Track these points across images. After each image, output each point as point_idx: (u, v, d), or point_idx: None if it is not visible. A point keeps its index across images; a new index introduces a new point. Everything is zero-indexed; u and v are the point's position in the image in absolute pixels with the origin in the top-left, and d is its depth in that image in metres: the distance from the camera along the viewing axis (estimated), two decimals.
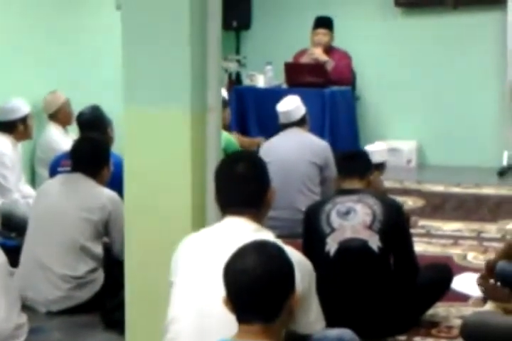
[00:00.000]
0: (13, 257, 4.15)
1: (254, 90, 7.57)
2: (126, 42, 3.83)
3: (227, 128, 6.12)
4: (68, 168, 4.83)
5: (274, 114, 5.96)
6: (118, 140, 5.37)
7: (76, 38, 7.04)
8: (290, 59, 7.74)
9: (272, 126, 6.47)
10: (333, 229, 3.87)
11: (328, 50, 7.60)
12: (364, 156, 4.29)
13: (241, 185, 2.87)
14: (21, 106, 5.84)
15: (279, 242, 2.61)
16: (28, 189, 5.95)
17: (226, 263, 2.33)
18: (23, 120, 5.84)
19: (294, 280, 2.33)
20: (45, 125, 6.54)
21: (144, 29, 3.79)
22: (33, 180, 6.39)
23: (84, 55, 7.10)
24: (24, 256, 4.47)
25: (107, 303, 4.27)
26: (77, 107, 5.98)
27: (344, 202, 3.93)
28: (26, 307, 4.08)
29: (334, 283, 3.75)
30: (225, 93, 6.22)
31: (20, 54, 6.40)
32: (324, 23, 7.70)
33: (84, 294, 4.39)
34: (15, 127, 5.80)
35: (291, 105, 5.74)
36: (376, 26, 8.71)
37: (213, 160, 3.81)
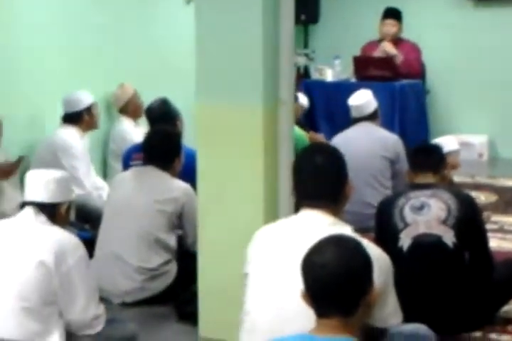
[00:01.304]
0: (87, 249, 4.20)
1: (322, 84, 7.55)
2: (199, 36, 3.86)
3: (297, 122, 6.11)
4: (139, 162, 4.88)
5: (343, 108, 5.94)
6: (187, 132, 5.41)
7: (145, 31, 7.11)
8: (358, 52, 7.70)
9: (340, 120, 6.45)
10: (406, 224, 3.84)
11: (397, 41, 7.54)
12: (437, 150, 4.24)
13: (319, 178, 2.84)
14: (85, 97, 5.90)
15: (357, 236, 2.61)
16: (99, 181, 6.02)
17: (304, 257, 2.33)
18: (88, 110, 5.89)
19: (372, 274, 2.33)
20: (116, 118, 6.62)
21: (216, 23, 3.81)
22: (105, 172, 6.48)
23: (153, 48, 7.16)
24: (99, 248, 4.54)
25: (180, 295, 4.32)
26: (147, 99, 6.04)
27: (418, 197, 3.89)
28: (101, 298, 4.15)
29: (407, 279, 3.72)
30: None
31: (90, 48, 6.49)
32: (393, 13, 7.64)
33: (158, 286, 4.45)
34: (81, 118, 5.85)
35: (363, 99, 5.71)
36: (447, 17, 8.60)
37: (285, 154, 3.82)
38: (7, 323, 3.11)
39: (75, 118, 5.81)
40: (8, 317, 3.12)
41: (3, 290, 3.14)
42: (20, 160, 5.20)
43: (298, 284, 2.35)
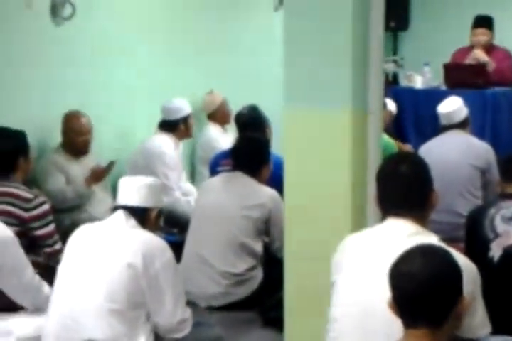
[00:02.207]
0: (175, 252, 4.26)
1: (411, 91, 7.46)
2: (288, 44, 3.87)
3: (386, 129, 6.07)
4: (227, 168, 4.93)
5: (432, 116, 5.86)
6: (275, 140, 5.43)
7: (235, 38, 7.17)
8: (449, 59, 7.59)
9: (429, 128, 6.36)
10: (497, 235, 3.78)
11: (489, 49, 7.40)
12: None
13: (405, 187, 2.83)
14: (184, 106, 5.99)
15: (444, 246, 2.57)
16: (188, 186, 6.11)
17: (392, 267, 2.31)
18: (185, 120, 5.99)
19: (461, 284, 2.30)
20: (204, 124, 6.69)
21: (305, 30, 3.81)
22: (194, 178, 6.56)
23: (243, 55, 7.22)
24: (186, 252, 4.60)
25: (265, 301, 4.33)
26: (236, 106, 6.09)
27: (509, 207, 3.82)
28: (188, 302, 4.19)
29: (497, 289, 3.65)
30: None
31: (180, 55, 6.58)
32: (484, 22, 7.49)
33: (243, 291, 4.47)
34: (177, 127, 5.95)
35: (454, 106, 5.63)
36: None
37: (374, 162, 3.79)
38: (96, 324, 3.17)
39: (171, 126, 5.91)
40: (96, 318, 3.18)
41: (93, 292, 3.21)
42: (110, 164, 5.31)
43: (384, 294, 2.33)
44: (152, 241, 3.32)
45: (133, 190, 3.38)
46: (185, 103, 6.01)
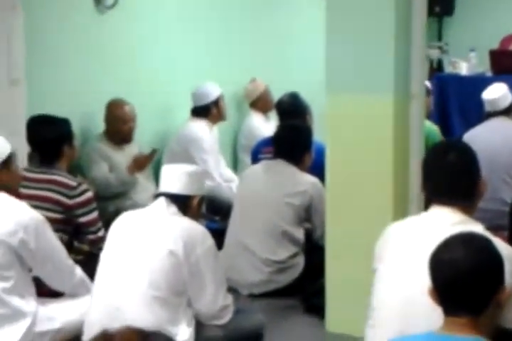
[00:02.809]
0: (217, 239, 4.28)
1: (456, 78, 7.38)
2: (330, 30, 3.86)
3: (428, 117, 6.02)
4: (269, 155, 4.93)
5: (477, 103, 5.79)
6: (316, 127, 5.42)
7: (278, 25, 7.15)
8: (495, 45, 7.49)
9: (474, 115, 6.29)
10: None
11: None
12: None
13: (452, 175, 2.79)
14: (212, 89, 5.97)
15: (488, 234, 2.55)
16: (229, 173, 6.12)
17: (432, 255, 2.30)
18: (216, 103, 5.97)
19: (503, 273, 2.28)
20: (246, 112, 6.69)
21: (347, 16, 3.81)
22: (236, 166, 6.57)
23: (285, 42, 7.20)
24: (228, 239, 4.62)
25: (307, 288, 4.33)
26: (277, 93, 6.08)
27: None
28: (230, 289, 4.21)
29: None
30: (426, 81, 6.11)
31: (224, 43, 6.58)
32: None
33: (285, 278, 4.49)
34: (209, 111, 5.94)
35: (499, 92, 5.56)
36: None
37: (416, 149, 3.77)
38: (138, 311, 3.19)
39: (203, 111, 5.91)
40: (139, 304, 3.20)
41: (135, 279, 3.23)
42: (153, 152, 5.34)
43: (426, 282, 2.32)
44: (193, 229, 3.33)
45: (174, 177, 3.40)
46: (213, 86, 5.98)
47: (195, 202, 3.44)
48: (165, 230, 3.29)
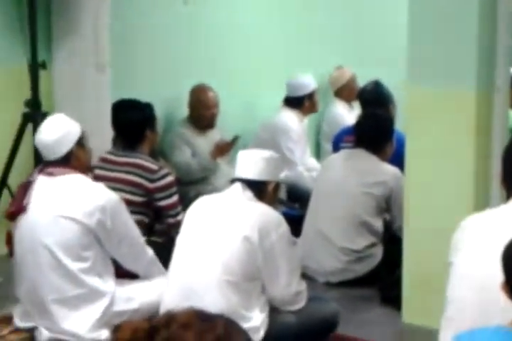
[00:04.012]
0: (295, 227, 4.31)
1: None
2: (412, 21, 3.82)
3: None
4: (350, 144, 4.91)
5: None
6: (399, 117, 5.37)
7: (364, 13, 7.08)
8: None
9: None
10: None
11: None
12: None
13: None
14: (309, 83, 5.98)
15: None
16: (312, 162, 6.12)
17: (505, 249, 2.27)
18: (310, 96, 5.98)
19: None
20: (330, 100, 6.67)
21: (430, 7, 3.75)
22: (318, 154, 6.57)
23: (372, 31, 7.13)
24: (306, 227, 4.63)
25: (384, 278, 4.31)
26: (362, 82, 6.04)
27: None
28: (307, 277, 4.24)
29: None
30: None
31: (308, 30, 6.57)
32: None
33: (362, 268, 4.47)
34: (302, 103, 5.95)
35: None
36: None
37: (498, 143, 3.71)
38: (212, 295, 3.23)
39: (296, 102, 5.92)
40: (213, 289, 3.24)
41: (210, 263, 3.27)
42: (235, 139, 5.38)
43: (501, 276, 2.29)
44: (268, 215, 3.35)
45: (250, 163, 3.42)
46: (310, 79, 5.99)
47: (270, 187, 3.45)
48: (240, 215, 3.32)
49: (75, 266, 3.48)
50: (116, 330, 1.45)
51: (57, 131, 3.57)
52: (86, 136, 3.67)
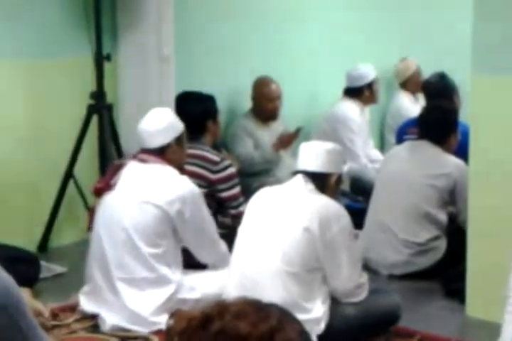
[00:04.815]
0: (358, 219, 4.28)
1: None
2: (477, 9, 3.75)
3: None
4: (414, 136, 4.86)
5: None
6: (463, 108, 5.29)
7: (429, 5, 6.99)
8: None
9: None
10: None
11: None
12: None
13: None
14: (368, 72, 5.93)
15: None
16: (376, 154, 6.08)
17: None
18: (369, 86, 5.93)
19: None
20: (395, 92, 6.61)
21: None
22: (382, 146, 6.52)
23: (436, 22, 7.03)
24: (369, 219, 4.60)
25: (448, 272, 4.26)
26: (427, 74, 5.98)
27: None
28: (369, 269, 4.22)
29: None
30: None
31: (372, 20, 6.51)
32: None
33: (426, 261, 4.43)
34: (361, 93, 5.90)
35: None
36: None
37: None
38: (273, 286, 3.24)
39: (355, 92, 5.88)
40: (274, 280, 3.25)
41: (271, 254, 3.28)
42: (298, 130, 5.37)
43: None
44: (329, 206, 3.34)
45: (312, 155, 3.42)
46: (369, 68, 5.94)
47: (332, 179, 3.44)
48: (301, 207, 3.32)
49: (148, 250, 3.58)
50: (172, 318, 1.45)
51: (161, 122, 3.71)
52: (185, 136, 3.76)
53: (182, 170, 3.81)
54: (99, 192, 3.75)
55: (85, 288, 3.77)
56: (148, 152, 3.70)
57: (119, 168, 3.73)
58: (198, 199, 3.68)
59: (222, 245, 3.80)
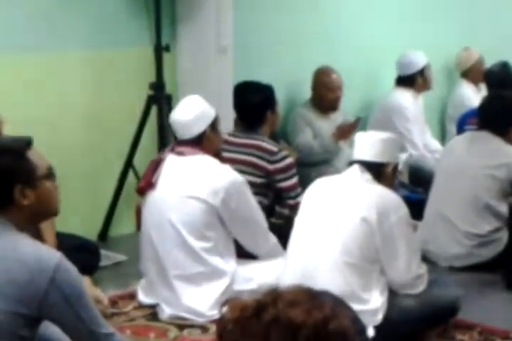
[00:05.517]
0: (417, 210, 4.24)
1: None
2: None
3: None
4: (474, 126, 4.79)
5: None
6: None
7: None
8: None
9: None
10: None
11: None
12: None
13: None
14: (419, 59, 5.84)
15: None
16: (435, 144, 6.01)
17: None
18: (421, 72, 5.83)
19: None
20: (457, 82, 6.52)
21: None
22: (443, 136, 6.44)
23: (496, 7, 6.91)
24: (428, 211, 4.55)
25: (510, 264, 4.20)
26: (490, 63, 5.89)
27: None
28: (429, 261, 4.17)
29: None
30: None
31: (431, 9, 6.43)
32: None
33: (487, 253, 4.37)
34: (414, 80, 5.81)
35: None
36: None
37: None
38: (331, 276, 3.22)
39: (408, 80, 5.81)
40: (332, 270, 3.23)
41: (328, 244, 3.26)
42: (357, 121, 5.33)
43: None
44: (387, 196, 3.31)
45: (368, 144, 3.39)
46: (420, 55, 5.85)
47: (389, 169, 3.41)
48: (358, 197, 3.30)
49: (198, 244, 3.57)
50: (226, 307, 1.46)
51: (193, 112, 3.68)
52: (219, 120, 3.75)
53: (219, 156, 3.79)
54: (142, 191, 3.74)
55: (142, 282, 3.80)
56: (184, 143, 3.67)
57: (158, 163, 3.70)
58: (242, 188, 3.64)
59: (271, 236, 3.78)
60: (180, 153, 3.67)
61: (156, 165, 3.71)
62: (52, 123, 4.58)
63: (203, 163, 3.65)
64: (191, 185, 3.58)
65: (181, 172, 3.65)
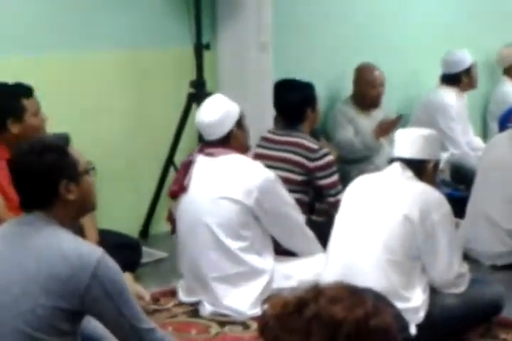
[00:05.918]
0: (459, 208, 4.20)
1: None
2: None
3: None
4: None
5: None
6: None
7: None
8: None
9: None
10: None
11: None
12: None
13: None
14: (465, 58, 5.79)
15: None
16: (478, 141, 5.95)
17: None
18: (467, 71, 5.79)
19: None
20: (499, 79, 6.45)
21: None
22: (485, 134, 6.38)
23: None
24: (470, 209, 4.50)
25: None
26: None
27: None
28: (471, 259, 4.13)
29: None
30: None
31: (473, 6, 6.37)
32: None
33: None
34: (459, 79, 5.77)
35: None
36: None
37: None
38: (373, 274, 3.21)
39: (453, 79, 5.77)
40: (374, 267, 3.22)
41: (370, 242, 3.25)
42: (398, 118, 5.31)
43: None
44: (429, 194, 3.29)
45: (408, 141, 3.37)
46: (466, 54, 5.80)
47: (430, 166, 3.38)
48: (400, 195, 3.28)
49: (234, 245, 3.56)
50: (267, 303, 1.46)
51: (217, 112, 3.65)
52: (244, 116, 3.73)
53: (248, 150, 3.77)
54: (175, 195, 3.73)
55: (181, 282, 3.81)
56: (212, 144, 3.65)
57: (188, 166, 3.69)
58: (275, 185, 3.62)
59: (308, 231, 3.75)
60: (210, 154, 3.65)
61: (186, 168, 3.70)
62: (92, 121, 4.61)
63: (234, 163, 3.63)
64: (224, 186, 3.57)
65: (213, 173, 3.63)
